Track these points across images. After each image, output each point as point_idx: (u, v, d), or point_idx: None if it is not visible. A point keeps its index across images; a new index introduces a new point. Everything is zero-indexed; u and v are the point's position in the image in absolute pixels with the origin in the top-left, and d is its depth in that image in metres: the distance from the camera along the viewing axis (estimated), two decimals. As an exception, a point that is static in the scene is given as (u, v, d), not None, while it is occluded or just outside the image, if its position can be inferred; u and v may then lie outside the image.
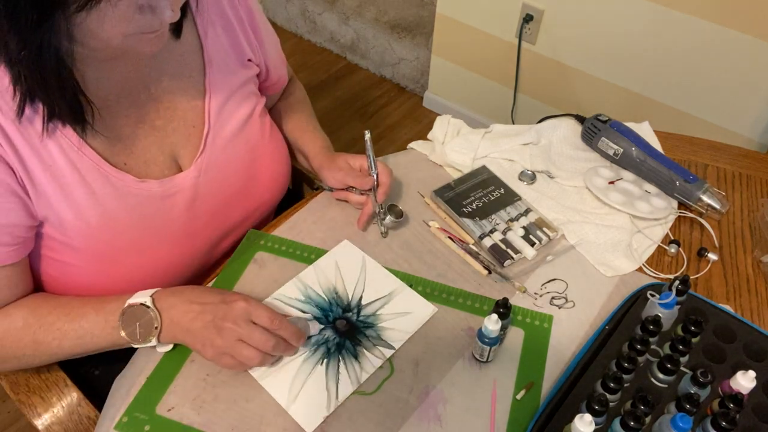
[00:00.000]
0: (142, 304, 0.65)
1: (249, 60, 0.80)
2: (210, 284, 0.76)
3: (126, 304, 0.66)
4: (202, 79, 0.74)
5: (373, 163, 0.82)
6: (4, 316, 0.67)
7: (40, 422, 0.71)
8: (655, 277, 0.80)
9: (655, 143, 0.98)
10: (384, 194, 0.82)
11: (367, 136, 0.84)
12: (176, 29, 0.68)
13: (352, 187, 0.83)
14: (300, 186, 1.10)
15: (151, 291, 0.67)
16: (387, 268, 0.79)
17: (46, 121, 0.60)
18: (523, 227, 0.83)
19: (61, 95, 0.58)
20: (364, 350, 0.70)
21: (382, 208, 0.82)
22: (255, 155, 0.81)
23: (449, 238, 0.82)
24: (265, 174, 0.83)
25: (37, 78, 0.55)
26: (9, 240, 0.63)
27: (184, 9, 0.66)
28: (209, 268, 0.84)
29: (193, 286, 0.70)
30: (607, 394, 0.61)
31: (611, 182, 0.90)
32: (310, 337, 0.70)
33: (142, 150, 0.70)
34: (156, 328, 0.65)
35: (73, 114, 0.61)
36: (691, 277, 0.75)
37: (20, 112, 0.58)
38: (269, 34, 0.85)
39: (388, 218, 0.81)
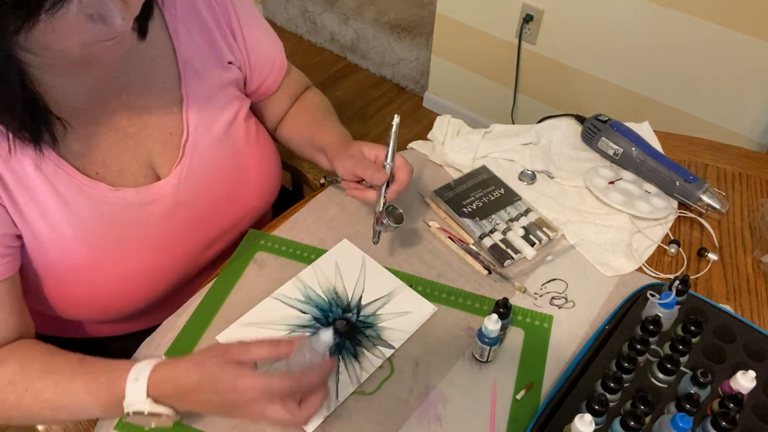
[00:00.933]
0: (138, 412, 0.57)
1: (230, 63, 0.76)
2: (210, 284, 0.76)
3: (125, 412, 0.57)
4: (178, 84, 0.71)
5: (391, 154, 0.72)
6: None
7: (40, 422, 0.71)
8: (655, 277, 0.80)
9: (655, 143, 0.98)
10: (396, 194, 0.73)
11: (396, 121, 0.72)
12: (140, 30, 0.63)
13: (364, 180, 0.74)
14: (300, 186, 1.10)
15: (144, 383, 0.57)
16: (387, 268, 0.79)
17: (11, 139, 0.58)
18: (523, 227, 0.83)
19: (11, 117, 0.56)
20: (364, 350, 0.70)
21: (384, 208, 0.73)
22: (240, 161, 0.78)
23: (449, 238, 0.82)
24: (253, 179, 0.80)
25: None
26: (1, 251, 0.61)
27: (150, 9, 0.62)
28: (196, 274, 0.82)
29: (189, 372, 0.57)
30: (607, 394, 0.60)
31: (611, 182, 0.90)
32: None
33: (115, 159, 0.68)
34: (168, 416, 0.58)
35: (29, 134, 0.58)
36: (691, 277, 0.75)
37: None
38: (259, 37, 0.80)
39: (386, 221, 0.72)
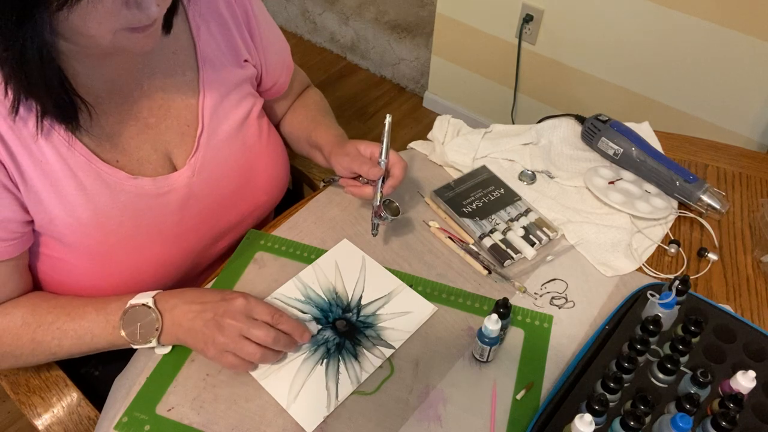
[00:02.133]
0: (143, 304, 0.66)
1: (245, 61, 0.79)
2: (210, 284, 0.76)
3: (127, 305, 0.66)
4: (196, 78, 0.73)
5: (385, 151, 0.76)
6: (2, 315, 0.67)
7: (40, 422, 0.71)
8: (655, 277, 0.80)
9: (655, 143, 0.98)
10: (392, 188, 0.77)
11: (388, 119, 0.77)
12: (166, 24, 0.65)
13: (361, 177, 0.78)
14: (300, 186, 1.10)
15: (152, 292, 0.68)
16: (387, 268, 0.79)
17: (40, 120, 0.60)
18: (523, 227, 0.83)
19: (47, 94, 0.58)
20: (364, 350, 0.70)
21: (382, 201, 0.76)
22: (251, 157, 0.80)
23: (449, 238, 0.82)
24: (262, 176, 0.82)
25: (23, 77, 0.55)
26: (4, 235, 0.63)
27: (176, 4, 0.64)
28: (204, 268, 0.83)
29: (194, 288, 0.70)
30: (607, 394, 0.61)
31: (611, 182, 0.90)
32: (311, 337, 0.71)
33: (135, 148, 0.69)
34: (157, 329, 0.65)
35: (62, 113, 0.60)
36: (691, 277, 0.75)
37: (14, 110, 0.58)
38: (272, 38, 0.83)
39: (384, 213, 0.75)
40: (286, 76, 0.89)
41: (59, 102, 0.59)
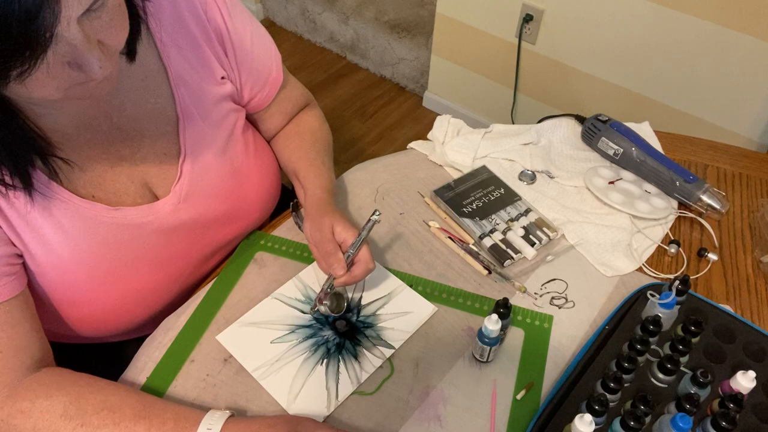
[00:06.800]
0: None
1: (223, 78, 0.74)
2: (210, 284, 0.76)
3: None
4: (172, 104, 0.69)
5: (357, 245, 0.69)
6: (45, 397, 0.59)
7: None
8: (655, 277, 0.80)
9: (655, 143, 0.98)
10: (343, 284, 0.70)
11: (375, 217, 0.69)
12: (129, 53, 0.60)
13: None
14: (300, 186, 1.10)
15: (219, 421, 0.58)
16: (387, 268, 0.79)
17: (10, 176, 0.56)
18: (523, 227, 0.83)
19: (9, 159, 0.55)
20: (364, 350, 0.70)
21: (330, 290, 0.70)
22: (241, 176, 0.77)
23: (449, 238, 0.82)
24: (253, 194, 0.79)
25: None
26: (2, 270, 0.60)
27: (137, 30, 0.59)
28: (194, 286, 0.81)
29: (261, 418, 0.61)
30: (607, 394, 0.61)
31: (611, 182, 0.90)
32: (308, 338, 0.71)
33: (110, 181, 0.67)
34: None
35: (22, 179, 0.57)
36: (691, 277, 0.75)
37: None
38: (251, 52, 0.77)
39: (325, 306, 0.69)
40: (270, 89, 0.82)
41: (12, 171, 0.56)
